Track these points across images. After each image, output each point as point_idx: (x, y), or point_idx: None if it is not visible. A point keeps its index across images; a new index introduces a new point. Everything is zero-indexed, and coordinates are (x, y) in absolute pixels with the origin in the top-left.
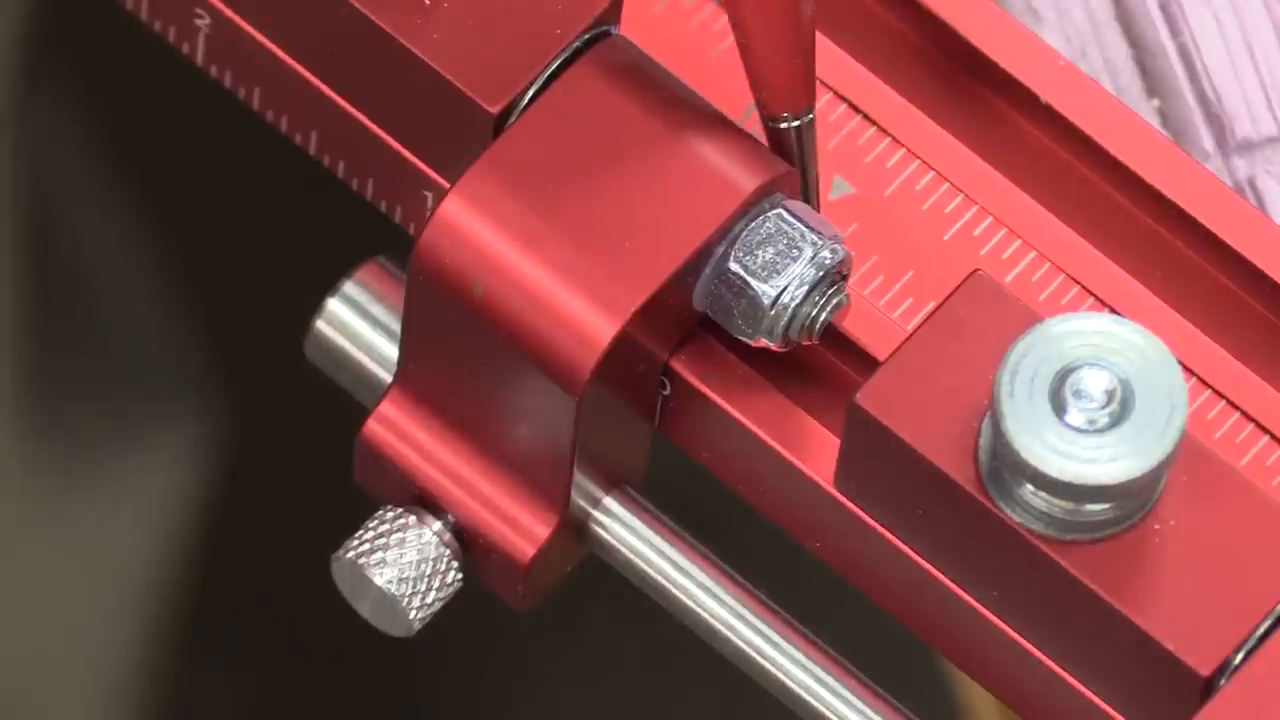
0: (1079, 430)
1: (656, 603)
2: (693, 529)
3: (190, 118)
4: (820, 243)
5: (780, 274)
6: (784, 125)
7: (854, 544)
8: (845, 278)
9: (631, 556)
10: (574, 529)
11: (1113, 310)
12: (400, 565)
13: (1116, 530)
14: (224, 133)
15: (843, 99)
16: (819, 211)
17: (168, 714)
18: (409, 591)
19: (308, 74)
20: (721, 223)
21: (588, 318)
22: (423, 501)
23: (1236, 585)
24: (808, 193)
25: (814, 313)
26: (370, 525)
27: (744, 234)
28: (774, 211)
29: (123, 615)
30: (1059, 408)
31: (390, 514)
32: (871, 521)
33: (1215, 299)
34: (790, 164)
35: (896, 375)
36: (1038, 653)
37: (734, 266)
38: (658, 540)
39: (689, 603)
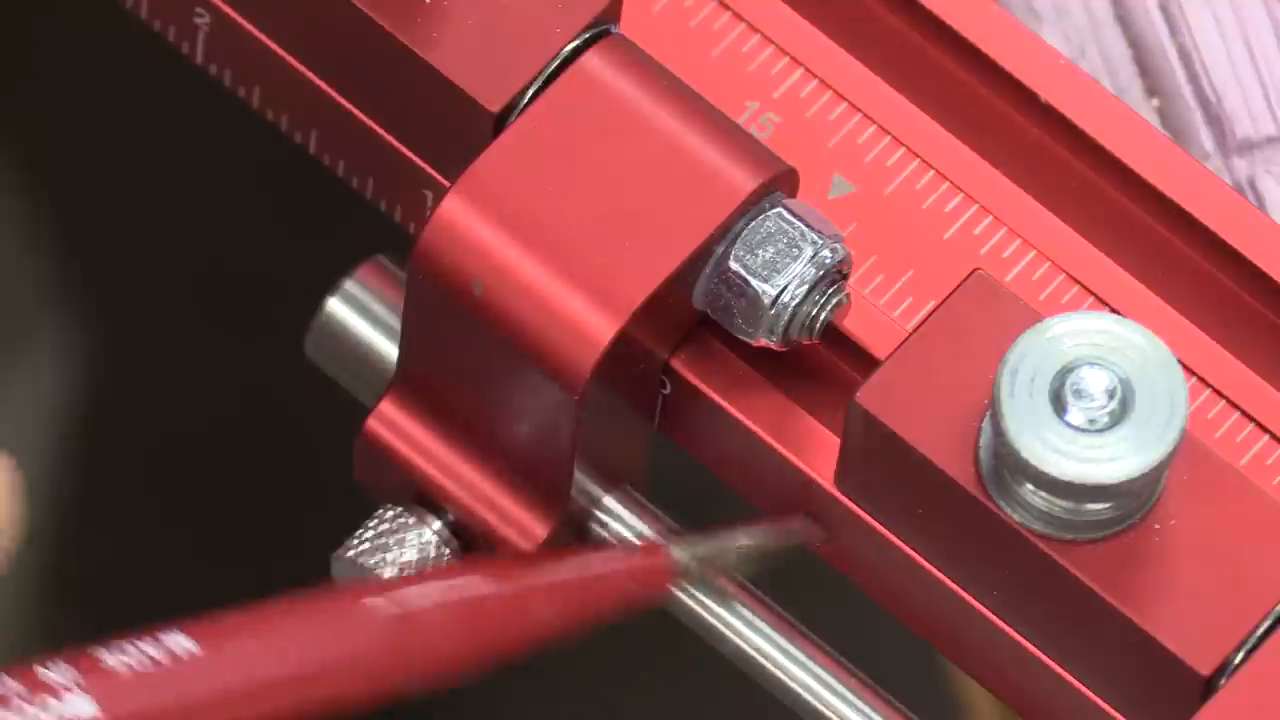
0: (1079, 429)
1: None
2: (693, 529)
3: (189, 116)
4: (820, 242)
5: (780, 273)
6: None
7: (854, 544)
8: (845, 277)
9: None
10: (574, 529)
11: (1113, 310)
12: (400, 564)
13: (1117, 530)
14: (223, 132)
15: (843, 98)
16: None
17: None
18: None
19: (308, 73)
20: (721, 222)
21: (588, 317)
22: (423, 500)
23: (1236, 585)
24: None
25: (814, 312)
26: (370, 524)
27: (744, 233)
28: (774, 210)
29: (120, 617)
30: (1059, 407)
31: (390, 513)
32: (871, 521)
33: (1215, 299)
34: None
35: (896, 374)
36: (1038, 652)
37: (734, 265)
38: (657, 539)
39: (689, 602)
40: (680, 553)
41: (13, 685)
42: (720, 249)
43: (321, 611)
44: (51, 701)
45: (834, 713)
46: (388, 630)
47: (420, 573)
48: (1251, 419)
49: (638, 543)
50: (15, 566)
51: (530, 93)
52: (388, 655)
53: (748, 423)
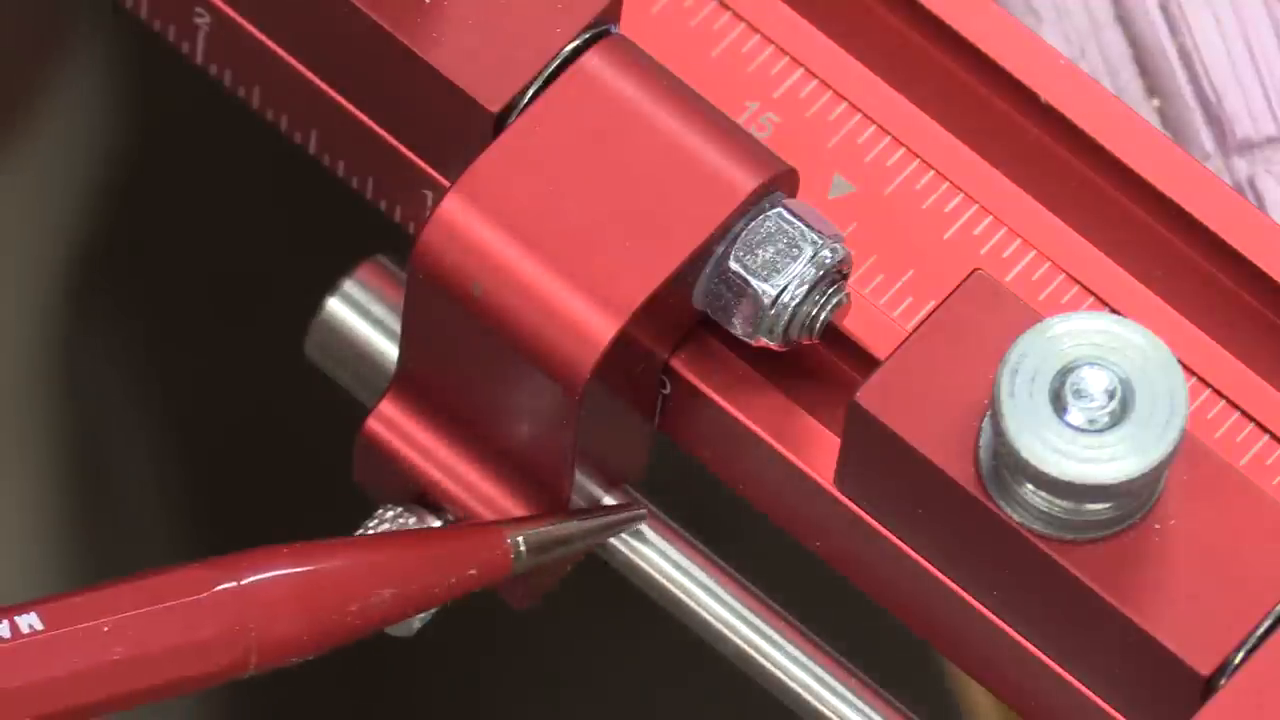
0: (1079, 430)
1: (657, 602)
2: (693, 529)
3: (188, 117)
4: (820, 242)
5: (780, 273)
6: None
7: (854, 544)
8: (845, 277)
9: (631, 556)
10: None
11: (1113, 310)
12: None
13: (1117, 530)
14: (222, 133)
15: (843, 98)
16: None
17: (164, 715)
18: None
19: (308, 73)
20: (721, 222)
21: (588, 317)
22: (423, 500)
23: (1236, 585)
24: None
25: (814, 312)
26: (370, 524)
27: (744, 233)
28: (774, 210)
29: None
30: (1059, 407)
31: (390, 513)
32: (871, 521)
33: (1215, 299)
34: None
35: (896, 374)
36: (1038, 652)
37: (734, 265)
38: (657, 540)
39: (689, 602)
40: (518, 537)
41: None
42: (720, 249)
43: (161, 589)
44: None
45: (834, 713)
46: (224, 607)
47: (261, 549)
48: (1251, 419)
49: (638, 543)
50: (20, 568)
51: (530, 93)
52: (224, 634)
53: (748, 423)
